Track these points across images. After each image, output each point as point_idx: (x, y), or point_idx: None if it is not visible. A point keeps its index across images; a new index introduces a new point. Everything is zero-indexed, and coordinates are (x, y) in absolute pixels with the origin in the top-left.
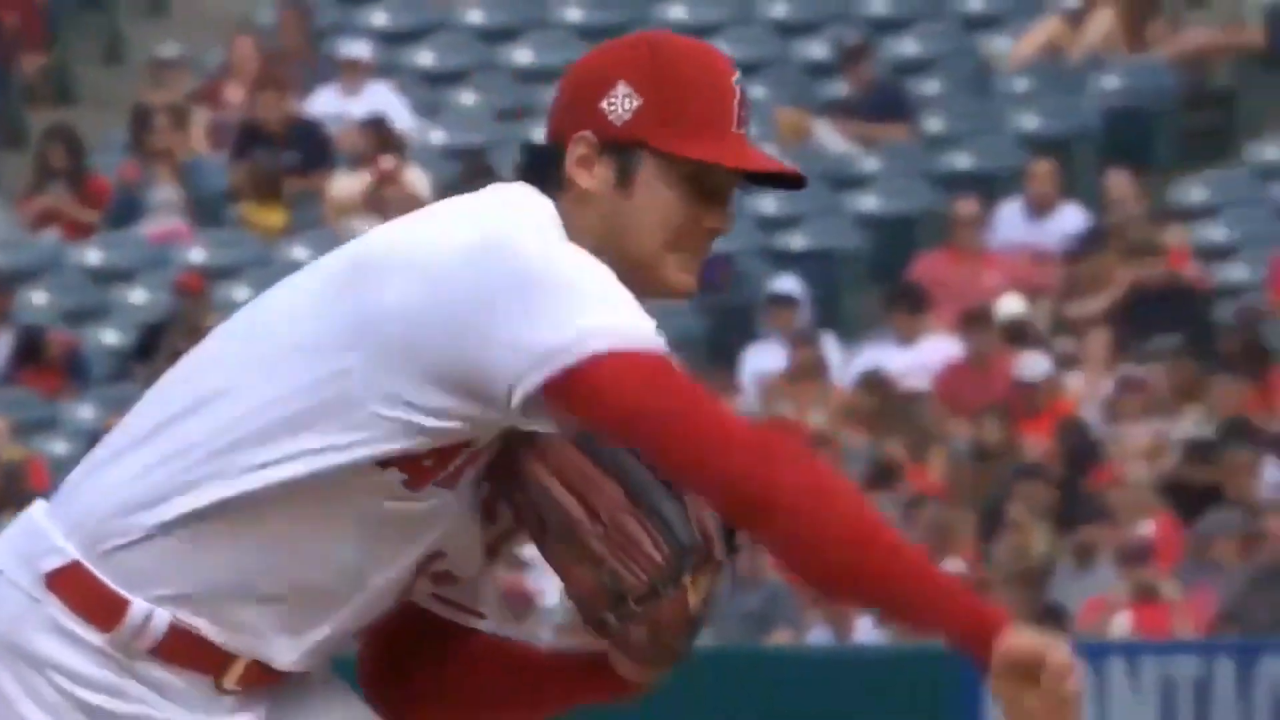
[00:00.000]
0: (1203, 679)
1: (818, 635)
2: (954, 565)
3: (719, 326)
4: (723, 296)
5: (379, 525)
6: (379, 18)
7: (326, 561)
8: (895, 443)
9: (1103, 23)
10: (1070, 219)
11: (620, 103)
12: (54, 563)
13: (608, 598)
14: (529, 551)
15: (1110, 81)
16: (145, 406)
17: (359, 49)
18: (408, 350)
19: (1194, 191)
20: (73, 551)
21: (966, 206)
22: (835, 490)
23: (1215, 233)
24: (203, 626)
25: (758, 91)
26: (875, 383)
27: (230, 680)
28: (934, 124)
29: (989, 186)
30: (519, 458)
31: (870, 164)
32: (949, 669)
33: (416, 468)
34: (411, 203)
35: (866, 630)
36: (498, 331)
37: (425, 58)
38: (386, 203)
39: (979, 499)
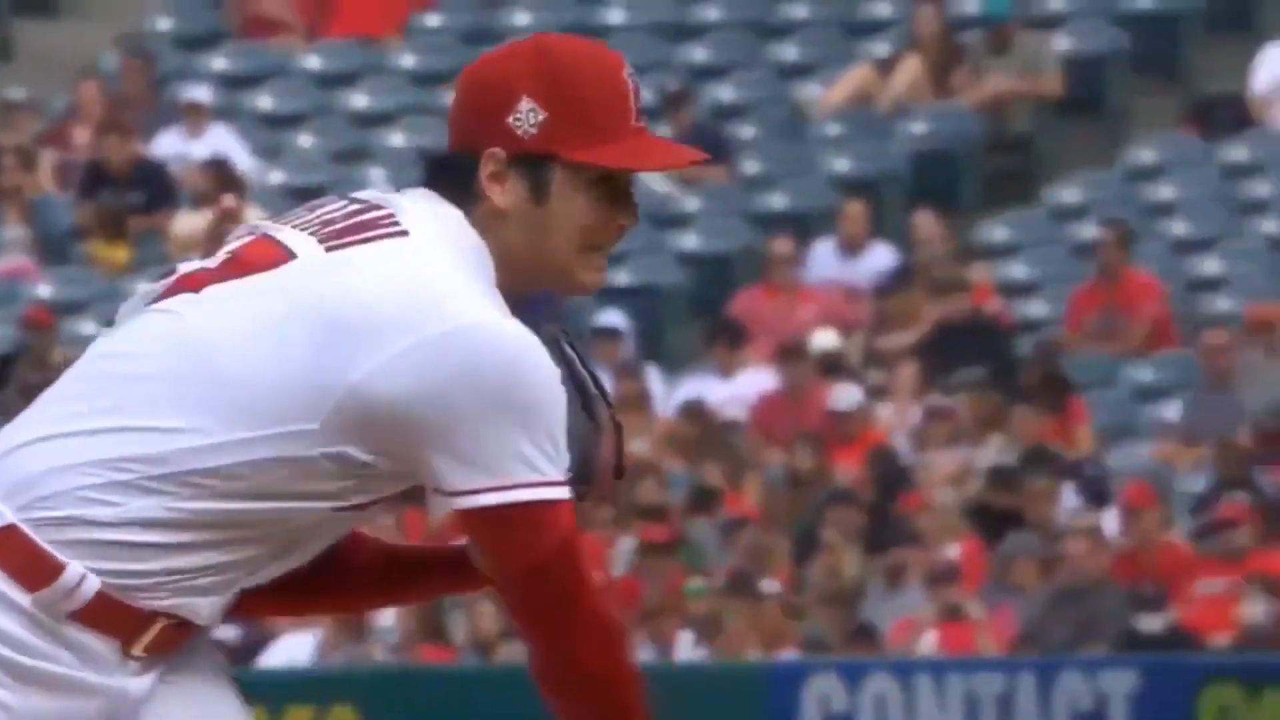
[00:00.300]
0: (1005, 694)
1: (640, 654)
2: (770, 586)
3: None
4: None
5: (321, 526)
6: (219, 63)
7: (264, 556)
8: (714, 469)
9: (909, 72)
10: (880, 257)
11: (526, 118)
12: None
13: None
14: None
15: (917, 127)
16: (87, 392)
17: (200, 93)
18: (366, 428)
19: (996, 231)
20: (9, 515)
21: (782, 245)
22: (628, 694)
23: (1016, 271)
24: (132, 597)
25: None
26: (696, 412)
27: (139, 647)
28: (751, 166)
29: (803, 226)
30: None
31: (691, 204)
32: (766, 684)
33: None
34: None
35: (687, 648)
36: (451, 441)
37: (264, 102)
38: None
39: (793, 523)
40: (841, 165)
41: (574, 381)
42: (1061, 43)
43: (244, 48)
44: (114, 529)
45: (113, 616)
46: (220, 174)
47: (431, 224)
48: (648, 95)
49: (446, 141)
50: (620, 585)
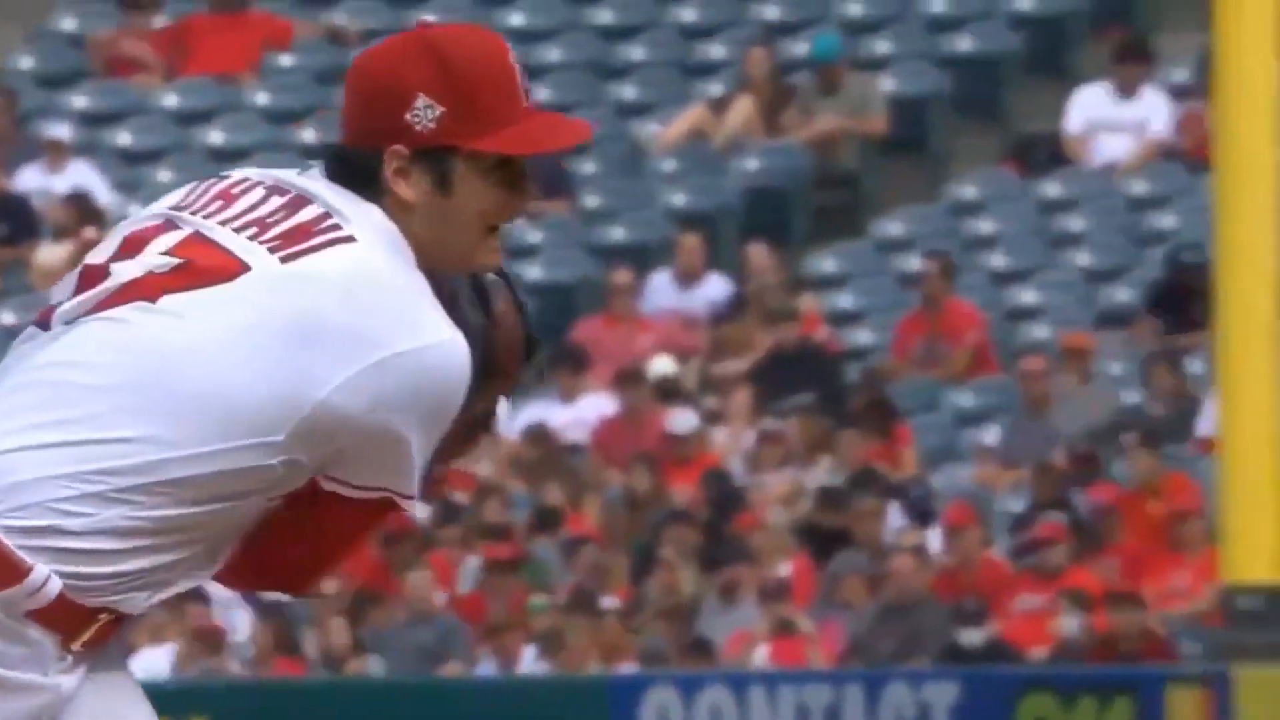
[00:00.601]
0: (834, 705)
1: (485, 668)
2: (610, 603)
3: None
4: None
5: (253, 516)
6: (80, 101)
7: (201, 554)
8: (556, 491)
9: (742, 110)
10: (715, 287)
11: (423, 114)
12: None
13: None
14: (217, 591)
15: (750, 163)
16: (48, 401)
17: (61, 130)
18: (325, 438)
19: (825, 263)
20: None
21: (621, 276)
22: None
23: (844, 301)
24: (83, 596)
25: None
26: (539, 436)
27: (78, 642)
28: (592, 200)
29: (642, 257)
30: None
31: (534, 236)
32: (606, 696)
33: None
34: None
35: (530, 662)
36: (387, 448)
37: (124, 139)
38: None
39: (632, 542)
40: (678, 200)
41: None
42: (887, 84)
43: (104, 86)
44: (82, 538)
45: (65, 615)
46: (81, 208)
47: (368, 225)
48: None
49: (340, 136)
50: (466, 602)
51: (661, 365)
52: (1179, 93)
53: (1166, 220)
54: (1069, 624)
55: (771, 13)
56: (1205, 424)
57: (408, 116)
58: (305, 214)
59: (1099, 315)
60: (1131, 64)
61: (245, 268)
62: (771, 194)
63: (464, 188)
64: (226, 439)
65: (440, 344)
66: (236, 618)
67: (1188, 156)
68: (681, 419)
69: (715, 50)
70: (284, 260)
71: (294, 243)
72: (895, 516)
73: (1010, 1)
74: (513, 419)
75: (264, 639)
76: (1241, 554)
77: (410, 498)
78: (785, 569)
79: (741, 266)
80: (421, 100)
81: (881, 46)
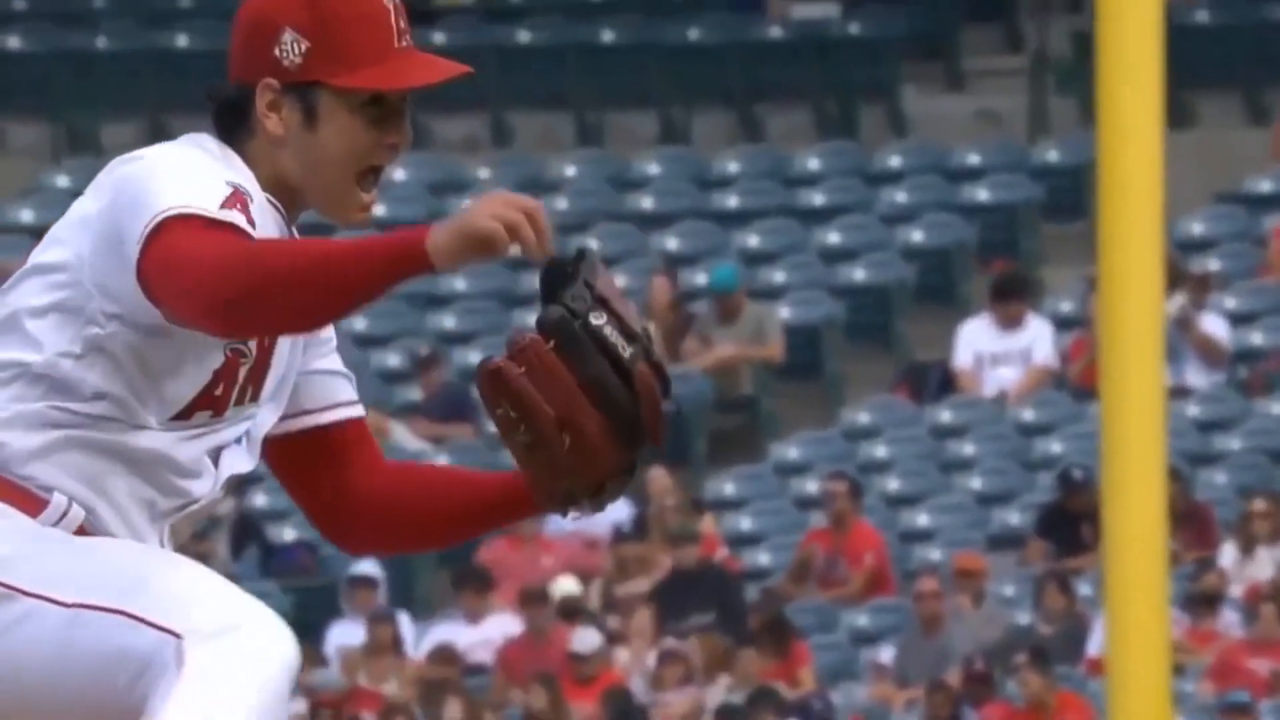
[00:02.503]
0: None
1: None
2: None
3: (304, 604)
4: (307, 578)
5: (153, 355)
6: None
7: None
8: (456, 708)
9: None
10: (617, 509)
11: (290, 49)
12: None
13: (562, 496)
14: None
15: None
16: None
17: None
18: (99, 254)
19: (725, 486)
20: None
21: None
22: (275, 264)
23: (743, 522)
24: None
25: None
26: (445, 656)
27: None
28: (492, 424)
29: None
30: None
31: (439, 461)
32: None
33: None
34: None
35: None
36: (122, 228)
37: None
38: None
39: None
40: None
41: (607, 357)
42: (783, 312)
43: None
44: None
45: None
46: None
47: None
48: (397, 360)
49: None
50: None
51: (565, 585)
52: (1063, 322)
53: (1054, 446)
54: None
55: (673, 243)
56: (1095, 644)
57: (276, 51)
58: None
59: (990, 538)
60: (1014, 299)
61: None
62: (671, 418)
63: (331, 123)
64: (66, 287)
65: (143, 154)
66: None
67: (1073, 384)
68: (584, 638)
69: (619, 280)
70: None
71: None
72: None
73: (901, 234)
74: (420, 639)
75: None
76: None
77: (197, 214)
78: None
79: (643, 489)
80: (288, 35)
81: (778, 275)
